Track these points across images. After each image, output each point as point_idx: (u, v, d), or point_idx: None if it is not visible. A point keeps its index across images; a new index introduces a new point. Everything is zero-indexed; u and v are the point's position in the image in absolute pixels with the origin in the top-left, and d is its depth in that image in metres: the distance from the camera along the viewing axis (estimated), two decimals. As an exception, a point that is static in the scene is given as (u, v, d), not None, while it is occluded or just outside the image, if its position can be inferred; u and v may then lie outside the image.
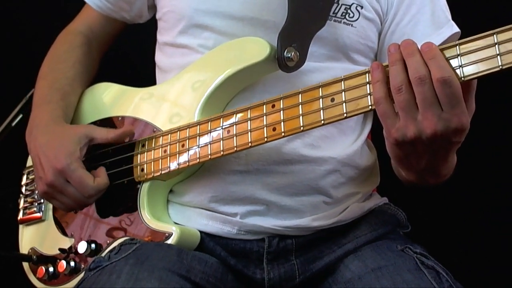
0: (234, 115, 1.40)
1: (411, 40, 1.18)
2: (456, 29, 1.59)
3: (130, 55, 2.41)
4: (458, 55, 1.14)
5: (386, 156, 1.34)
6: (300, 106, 1.31)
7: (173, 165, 1.46)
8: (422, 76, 1.13)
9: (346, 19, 1.52)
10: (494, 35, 1.10)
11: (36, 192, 1.68)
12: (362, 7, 1.53)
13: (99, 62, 1.85)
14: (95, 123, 1.66)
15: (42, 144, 1.53)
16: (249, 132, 1.37)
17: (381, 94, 1.18)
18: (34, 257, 1.62)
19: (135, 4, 1.74)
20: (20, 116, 1.80)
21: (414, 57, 1.15)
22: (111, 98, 1.68)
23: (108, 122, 1.64)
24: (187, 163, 1.44)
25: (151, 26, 1.74)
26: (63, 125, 1.59)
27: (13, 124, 1.85)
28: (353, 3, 1.52)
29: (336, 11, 1.51)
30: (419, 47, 1.17)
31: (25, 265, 1.66)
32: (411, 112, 1.15)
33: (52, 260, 1.59)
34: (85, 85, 1.74)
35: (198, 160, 1.43)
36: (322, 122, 1.28)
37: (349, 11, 1.52)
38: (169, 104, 1.55)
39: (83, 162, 1.52)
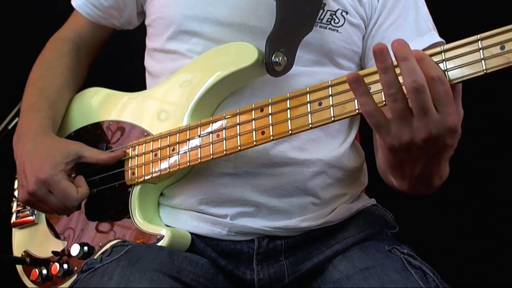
0: (224, 119, 1.39)
1: (402, 41, 1.10)
2: (438, 38, 1.56)
3: (120, 60, 2.40)
4: (444, 60, 1.13)
5: (374, 158, 1.33)
6: (289, 110, 1.30)
7: (164, 169, 1.45)
8: (419, 87, 1.07)
9: (332, 25, 1.51)
10: (479, 41, 1.10)
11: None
12: (347, 13, 1.53)
13: (87, 68, 1.83)
14: (85, 127, 1.65)
15: (29, 152, 1.52)
16: (238, 136, 1.36)
17: (370, 107, 1.13)
18: (28, 259, 1.61)
19: (124, 11, 1.72)
20: (16, 119, 1.77)
21: (409, 62, 1.08)
22: (101, 103, 1.67)
23: (98, 127, 1.63)
24: (178, 167, 1.43)
25: (141, 31, 1.73)
26: (52, 136, 1.57)
27: (9, 127, 1.84)
28: (338, 9, 1.52)
29: (322, 17, 1.50)
30: None
31: (19, 267, 1.65)
32: (407, 119, 1.11)
33: (45, 262, 1.58)
34: (73, 91, 1.73)
35: (188, 164, 1.42)
36: (310, 125, 1.27)
37: (334, 17, 1.51)
38: (159, 108, 1.54)
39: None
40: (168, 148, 1.45)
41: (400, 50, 1.09)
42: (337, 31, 1.52)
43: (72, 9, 1.79)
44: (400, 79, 1.10)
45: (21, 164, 1.52)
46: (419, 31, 1.56)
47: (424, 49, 1.48)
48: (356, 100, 1.19)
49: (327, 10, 1.51)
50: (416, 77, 1.07)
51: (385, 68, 1.09)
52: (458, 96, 1.15)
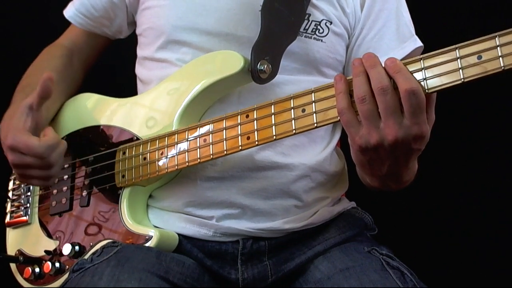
0: (210, 124, 1.37)
1: (372, 53, 1.15)
2: (419, 43, 1.56)
3: (112, 67, 2.36)
4: (422, 68, 1.11)
5: (354, 163, 1.31)
6: (273, 116, 1.28)
7: (153, 172, 1.43)
8: (384, 86, 1.10)
9: (316, 35, 1.50)
10: (457, 50, 1.08)
11: (23, 196, 1.65)
12: (331, 23, 1.51)
13: (82, 74, 1.79)
14: (77, 132, 1.62)
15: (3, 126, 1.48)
16: (225, 141, 1.34)
17: (344, 105, 1.15)
18: (21, 258, 1.58)
19: (115, 20, 1.71)
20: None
21: (376, 69, 1.12)
22: (93, 108, 1.64)
23: (90, 131, 1.60)
24: (166, 170, 1.41)
25: (134, 39, 1.71)
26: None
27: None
28: (322, 19, 1.50)
29: (307, 27, 1.49)
30: (384, 62, 1.14)
31: (13, 266, 1.62)
32: (374, 121, 1.12)
33: (38, 261, 1.55)
34: (61, 94, 1.67)
35: (176, 167, 1.39)
36: (294, 131, 1.25)
37: (318, 27, 1.50)
38: (149, 113, 1.52)
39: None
40: (156, 151, 1.43)
41: (368, 60, 1.14)
42: (322, 40, 1.50)
43: (64, 20, 1.77)
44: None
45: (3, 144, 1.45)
46: (401, 38, 1.55)
47: (407, 55, 1.51)
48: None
49: (312, 21, 1.49)
50: (381, 79, 1.10)
51: (357, 73, 1.14)
52: (432, 104, 1.15)
